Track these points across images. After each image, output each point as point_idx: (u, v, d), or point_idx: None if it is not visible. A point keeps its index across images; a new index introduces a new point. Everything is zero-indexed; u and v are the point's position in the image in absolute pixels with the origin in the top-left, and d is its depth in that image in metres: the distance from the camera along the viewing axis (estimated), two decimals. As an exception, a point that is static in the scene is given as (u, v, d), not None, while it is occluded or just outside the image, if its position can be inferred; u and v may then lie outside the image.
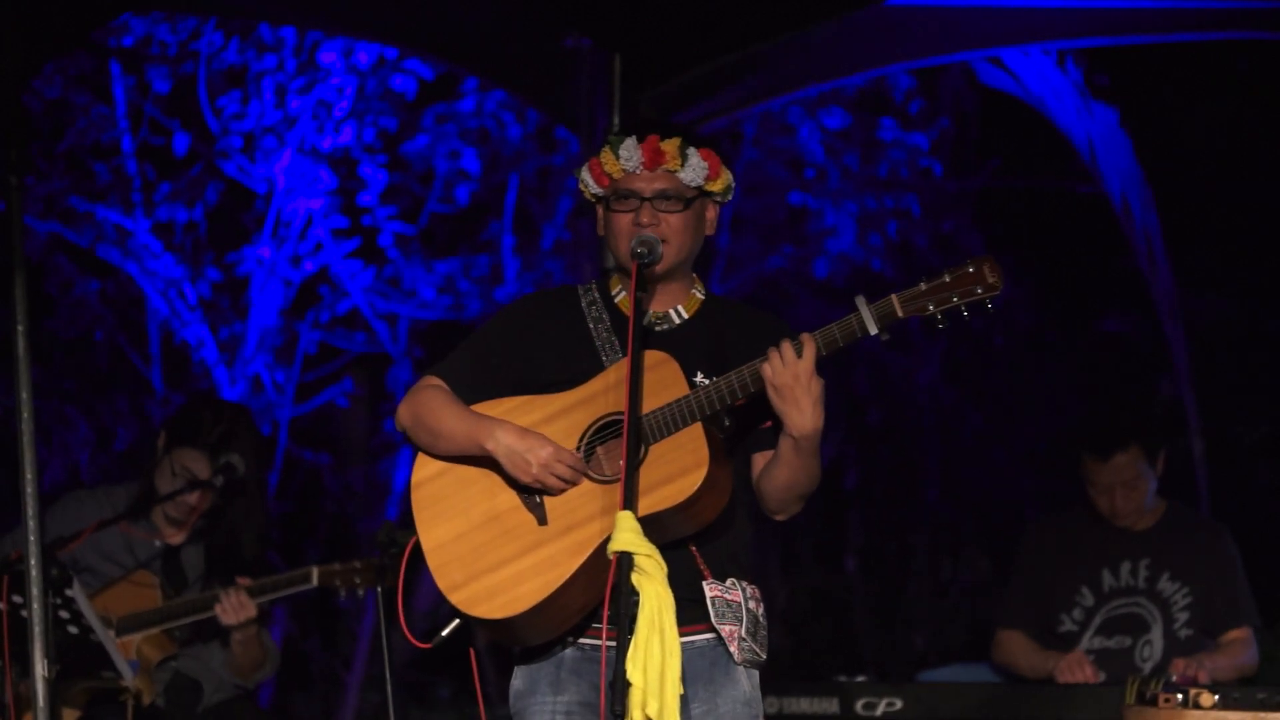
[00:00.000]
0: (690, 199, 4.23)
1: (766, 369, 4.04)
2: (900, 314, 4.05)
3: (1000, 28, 7.51)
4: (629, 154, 4.20)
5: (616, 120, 6.68)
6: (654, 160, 4.20)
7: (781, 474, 4.15)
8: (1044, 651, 6.51)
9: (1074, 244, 12.28)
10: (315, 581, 6.10)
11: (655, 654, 3.93)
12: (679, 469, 4.04)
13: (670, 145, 4.20)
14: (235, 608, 6.03)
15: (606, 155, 4.23)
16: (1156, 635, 6.50)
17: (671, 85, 6.86)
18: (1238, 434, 11.79)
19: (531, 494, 4.16)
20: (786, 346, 4.04)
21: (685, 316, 4.31)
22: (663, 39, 6.65)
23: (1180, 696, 5.22)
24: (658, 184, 4.21)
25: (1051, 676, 6.40)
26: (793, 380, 4.03)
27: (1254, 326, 11.95)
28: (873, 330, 4.04)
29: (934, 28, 7.35)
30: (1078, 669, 6.31)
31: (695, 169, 4.22)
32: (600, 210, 4.31)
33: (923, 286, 4.06)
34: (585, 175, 4.29)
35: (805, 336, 4.05)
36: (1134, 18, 7.39)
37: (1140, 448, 6.49)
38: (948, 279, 4.07)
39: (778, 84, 7.56)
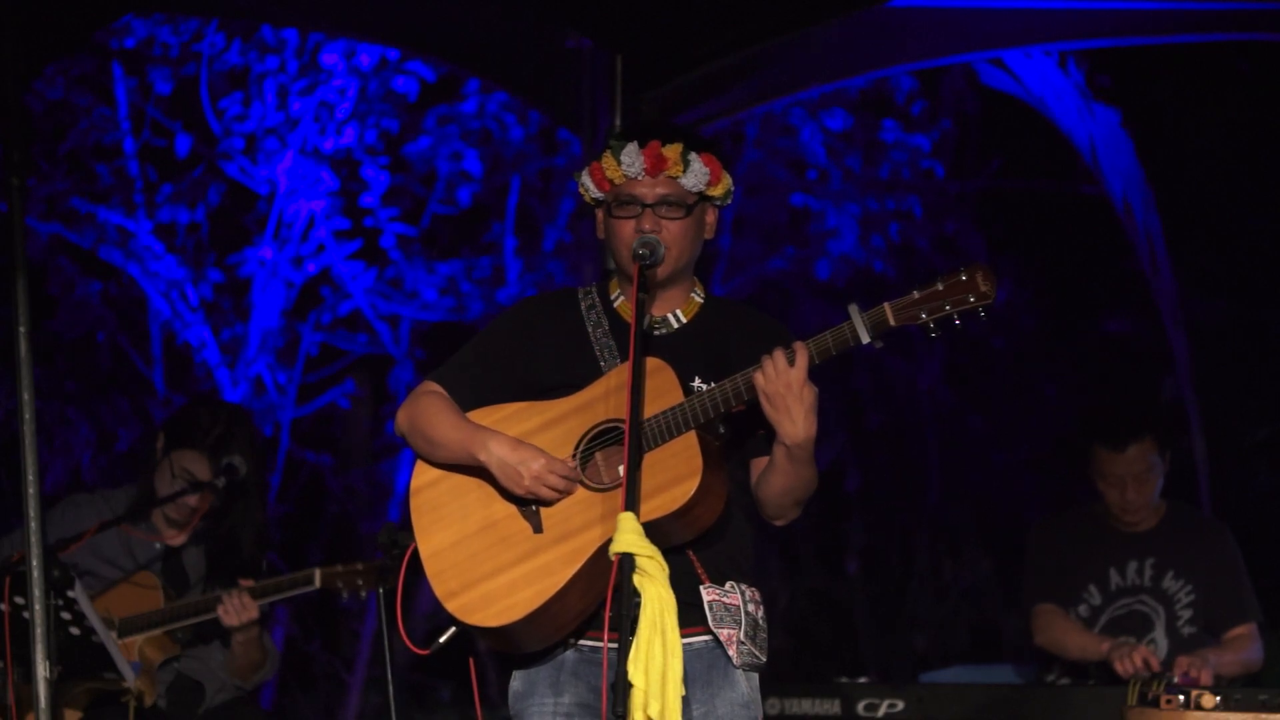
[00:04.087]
0: (692, 205, 4.22)
1: (759, 377, 4.02)
2: (893, 323, 4.03)
3: (1002, 29, 7.51)
4: (631, 160, 4.19)
5: (618, 121, 6.68)
6: (656, 166, 4.18)
7: (777, 481, 4.15)
8: (1091, 634, 6.49)
9: (1075, 245, 12.29)
10: (318, 583, 6.10)
11: (657, 655, 3.93)
12: (673, 477, 4.04)
13: (672, 151, 4.18)
14: (237, 609, 6.03)
15: (608, 160, 4.21)
16: (1160, 633, 6.51)
17: (673, 86, 6.87)
18: (1239, 434, 11.79)
19: (527, 503, 4.17)
20: (779, 355, 4.02)
21: (683, 320, 4.30)
22: (664, 40, 6.66)
23: (1182, 698, 5.22)
24: (660, 190, 4.19)
25: (1103, 661, 6.36)
26: (785, 389, 4.01)
27: (1255, 327, 11.95)
28: (865, 339, 4.02)
29: (936, 29, 7.35)
30: (1139, 659, 6.26)
31: (697, 175, 4.20)
32: (600, 214, 4.29)
33: (915, 295, 4.04)
34: (586, 180, 4.27)
35: (798, 345, 4.04)
36: (1135, 19, 7.39)
37: (1153, 439, 6.51)
38: (940, 287, 4.03)
39: (779, 85, 7.56)
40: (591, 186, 4.26)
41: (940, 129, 11.61)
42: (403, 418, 4.31)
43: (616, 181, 4.21)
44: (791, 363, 4.01)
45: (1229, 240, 11.90)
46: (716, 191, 4.25)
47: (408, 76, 10.27)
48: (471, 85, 10.59)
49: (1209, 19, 7.43)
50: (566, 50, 7.12)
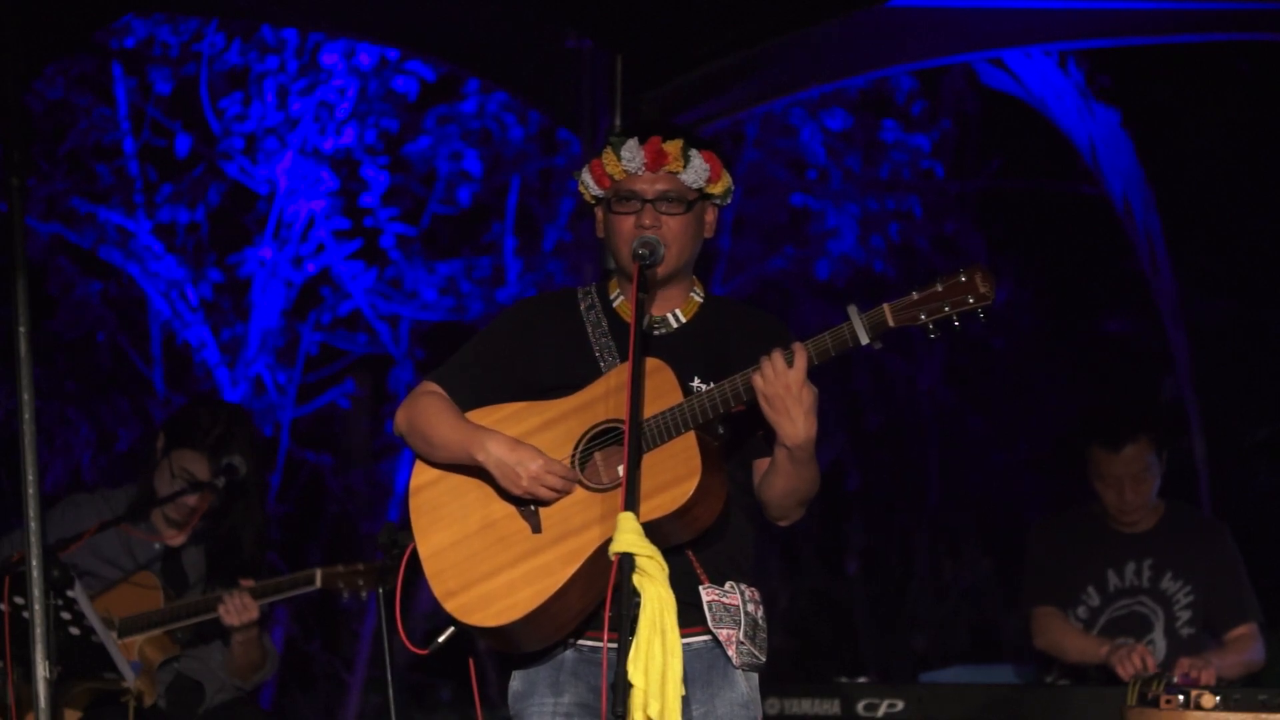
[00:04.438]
0: (692, 201, 4.22)
1: (757, 379, 4.02)
2: (892, 323, 4.03)
3: (1002, 29, 7.51)
4: (631, 155, 4.19)
5: (618, 121, 6.67)
6: (656, 161, 4.18)
7: (779, 482, 4.14)
8: (1091, 637, 6.48)
9: (1075, 245, 12.30)
10: (318, 583, 6.10)
11: (657, 655, 3.92)
12: (672, 478, 4.03)
13: (673, 146, 4.18)
14: (238, 609, 6.03)
15: (608, 156, 4.21)
16: (1159, 634, 6.51)
17: (673, 86, 6.86)
18: (1239, 434, 11.80)
19: (525, 503, 4.17)
20: (777, 356, 4.01)
21: (683, 320, 4.30)
22: (664, 40, 6.65)
23: (1182, 698, 5.22)
24: (660, 185, 4.19)
25: (1102, 664, 6.36)
26: (784, 390, 4.00)
27: (1255, 327, 11.95)
28: (864, 340, 4.02)
29: (936, 29, 7.35)
30: (1138, 660, 6.26)
31: (697, 171, 4.20)
32: (600, 212, 4.29)
33: (915, 296, 4.03)
34: (585, 177, 4.27)
35: (797, 346, 4.03)
36: (1136, 19, 7.39)
37: (1150, 440, 6.51)
38: (940, 288, 4.03)
39: (779, 85, 7.56)
40: (592, 184, 4.26)
41: (940, 129, 11.61)
42: (402, 418, 4.30)
43: (617, 177, 4.21)
44: (790, 364, 4.00)
45: (1229, 240, 11.91)
46: (717, 189, 4.25)
47: (408, 76, 10.26)
48: (471, 85, 10.59)
49: (1209, 19, 7.43)
50: (566, 50, 7.11)
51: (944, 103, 11.79)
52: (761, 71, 7.24)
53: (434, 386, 4.30)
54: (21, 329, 5.42)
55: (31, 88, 9.72)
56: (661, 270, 4.20)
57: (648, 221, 4.18)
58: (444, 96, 10.64)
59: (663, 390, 4.10)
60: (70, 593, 5.59)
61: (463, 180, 10.72)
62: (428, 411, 4.25)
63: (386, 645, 5.63)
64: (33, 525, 5.39)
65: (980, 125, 12.06)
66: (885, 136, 11.40)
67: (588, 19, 6.68)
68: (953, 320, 4.03)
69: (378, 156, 10.46)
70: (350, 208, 10.52)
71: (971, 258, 12.16)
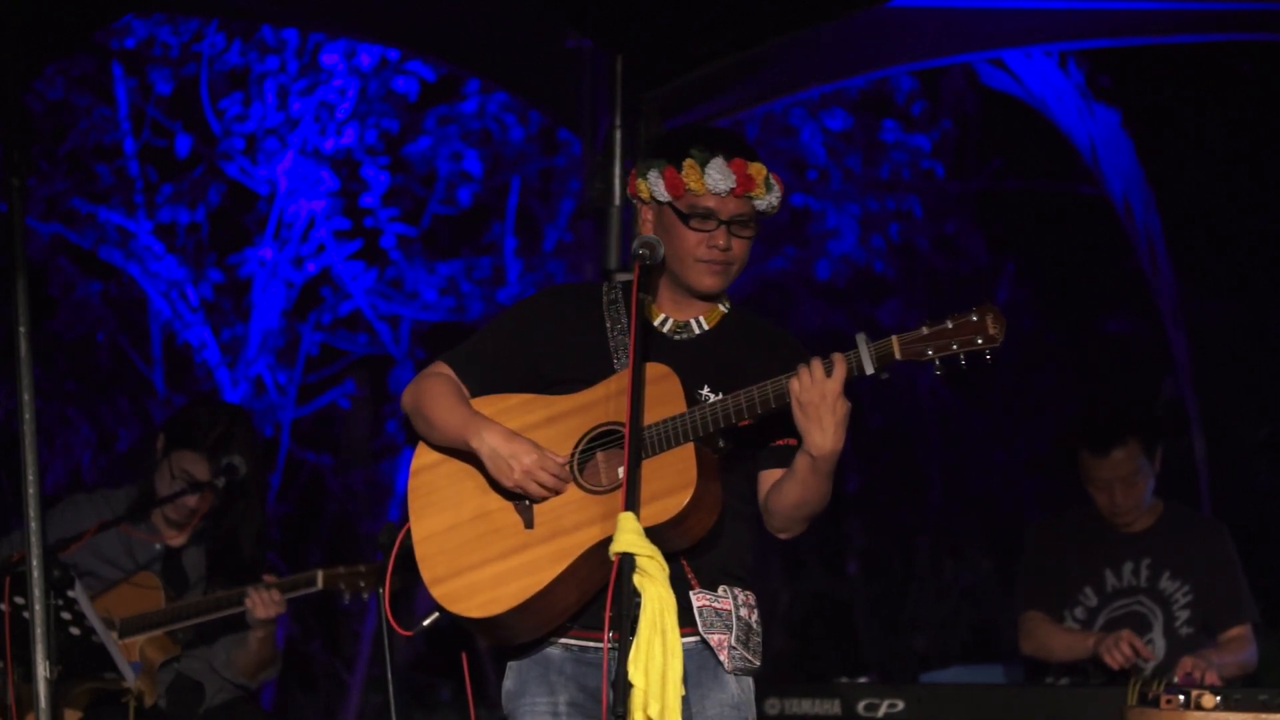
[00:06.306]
0: (758, 223, 4.22)
1: (794, 384, 4.01)
2: (899, 356, 4.02)
3: (1002, 29, 7.51)
4: (720, 175, 4.13)
5: (618, 121, 6.66)
6: (745, 186, 4.16)
7: (793, 492, 4.13)
8: (1075, 633, 6.48)
9: (1076, 245, 12.30)
10: (320, 584, 6.11)
11: (657, 655, 3.92)
12: (667, 488, 4.03)
13: (758, 173, 4.16)
14: (266, 603, 6.03)
15: (690, 170, 4.14)
16: (1158, 633, 6.51)
17: (673, 86, 6.85)
18: (1239, 434, 11.80)
19: (517, 497, 4.16)
20: (817, 364, 4.01)
21: (705, 328, 4.29)
22: (665, 40, 6.64)
23: (1182, 698, 5.21)
24: (735, 207, 4.17)
25: (1092, 658, 6.35)
26: (819, 399, 4.00)
27: (1255, 327, 11.96)
28: (869, 370, 4.02)
29: (936, 29, 7.35)
30: (1126, 647, 6.25)
31: (775, 197, 4.20)
32: (649, 212, 4.24)
33: (924, 331, 4.02)
34: (654, 180, 4.19)
35: (837, 356, 4.02)
36: (1136, 19, 7.39)
37: (1139, 442, 6.49)
38: (950, 325, 4.02)
39: (780, 85, 7.56)
40: (661, 189, 4.19)
41: (940, 129, 11.61)
42: (408, 396, 4.31)
43: (696, 192, 4.17)
44: (829, 373, 4.01)
45: (1229, 240, 11.92)
46: (774, 211, 4.26)
47: (408, 76, 10.26)
48: (471, 85, 10.59)
49: (1209, 19, 7.42)
50: (566, 50, 7.11)
51: (944, 103, 11.79)
52: (761, 71, 7.24)
53: (444, 368, 4.30)
54: (21, 329, 5.43)
55: (31, 88, 9.72)
56: (719, 284, 4.21)
57: (721, 242, 4.16)
58: (444, 96, 10.64)
59: (667, 397, 4.09)
60: (70, 593, 5.59)
61: (463, 180, 10.73)
62: (432, 391, 4.24)
63: (386, 645, 5.62)
64: (33, 525, 5.39)
65: (980, 125, 12.07)
66: (885, 136, 11.39)
67: (588, 19, 6.67)
68: (959, 359, 4.03)
69: (378, 157, 10.47)
70: (350, 208, 10.52)
71: (973, 258, 12.17)
